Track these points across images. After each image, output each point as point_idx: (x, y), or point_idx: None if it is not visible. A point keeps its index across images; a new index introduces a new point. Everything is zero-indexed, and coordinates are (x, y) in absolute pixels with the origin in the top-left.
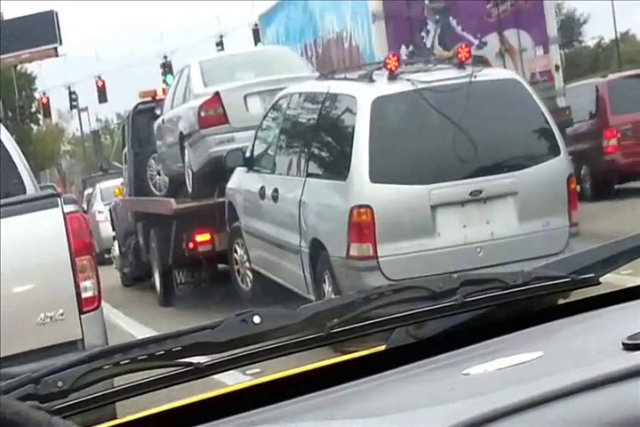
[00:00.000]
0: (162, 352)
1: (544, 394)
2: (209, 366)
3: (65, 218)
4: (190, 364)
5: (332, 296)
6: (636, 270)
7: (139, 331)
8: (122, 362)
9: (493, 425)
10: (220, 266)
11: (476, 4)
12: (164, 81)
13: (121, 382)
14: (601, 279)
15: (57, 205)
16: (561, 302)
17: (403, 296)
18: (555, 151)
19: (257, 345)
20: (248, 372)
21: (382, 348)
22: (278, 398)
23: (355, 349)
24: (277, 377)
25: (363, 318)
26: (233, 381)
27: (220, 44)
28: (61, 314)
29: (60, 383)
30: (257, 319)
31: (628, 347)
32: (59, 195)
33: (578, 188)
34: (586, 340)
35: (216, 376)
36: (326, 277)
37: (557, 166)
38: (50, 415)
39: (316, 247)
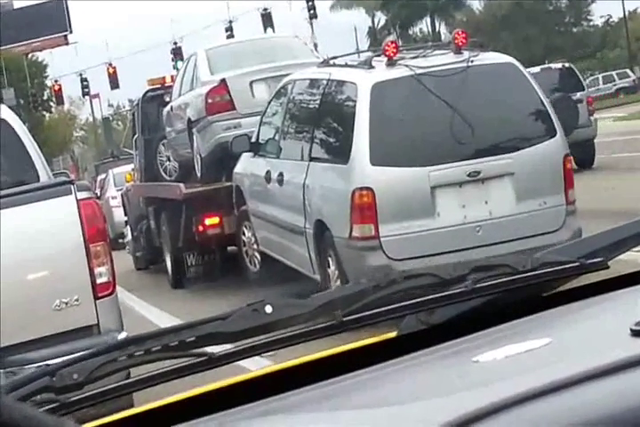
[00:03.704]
0: (175, 343)
1: (552, 383)
2: (222, 357)
3: (78, 205)
4: (204, 354)
5: (337, 276)
6: None
7: (152, 314)
8: (136, 353)
9: (502, 415)
10: (229, 248)
11: None
12: (175, 67)
13: (136, 372)
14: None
15: (70, 193)
16: (570, 286)
17: (413, 284)
18: (551, 132)
19: (269, 334)
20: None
21: (394, 334)
22: (289, 386)
23: (366, 335)
24: (288, 366)
25: (374, 306)
26: (246, 369)
27: (229, 30)
28: (77, 300)
29: (75, 376)
30: (269, 309)
31: (636, 333)
32: (72, 182)
33: None
34: (594, 326)
35: (229, 365)
36: (330, 257)
37: (554, 147)
38: (62, 419)
39: (320, 229)
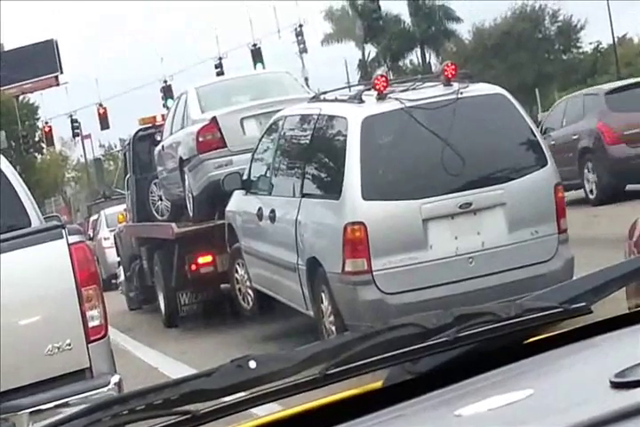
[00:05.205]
0: (160, 401)
1: None
2: (206, 414)
3: (70, 249)
4: (188, 412)
5: (330, 311)
6: None
7: (146, 354)
8: (120, 413)
9: None
10: (223, 286)
11: None
12: (165, 105)
13: None
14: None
15: (61, 237)
16: (553, 332)
17: (397, 334)
18: (542, 162)
19: (253, 390)
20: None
21: (379, 384)
22: None
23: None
24: (271, 420)
25: (358, 358)
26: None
27: (219, 66)
28: (69, 344)
29: None
30: (252, 364)
31: (616, 385)
32: (63, 226)
33: None
34: (575, 376)
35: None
36: (323, 293)
37: (545, 176)
38: None
39: (313, 265)
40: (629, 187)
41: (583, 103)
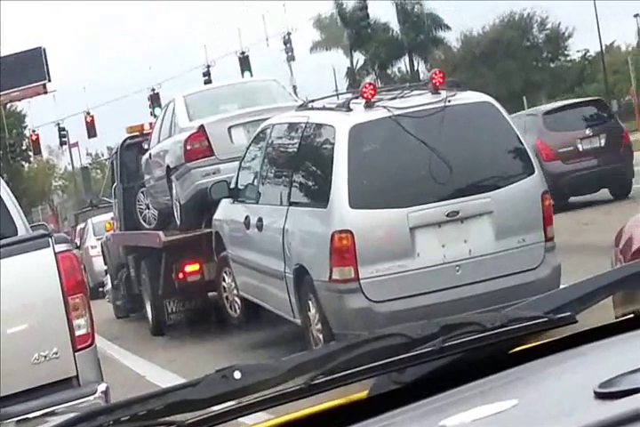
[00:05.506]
0: (145, 412)
1: None
2: (191, 424)
3: (56, 257)
4: (173, 422)
5: (317, 319)
6: None
7: (133, 362)
8: (106, 424)
9: None
10: (210, 294)
11: None
12: (153, 113)
13: None
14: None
15: (48, 245)
16: (538, 341)
17: (382, 344)
18: (529, 170)
19: (239, 400)
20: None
21: (365, 394)
22: None
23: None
24: None
25: (344, 368)
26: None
27: (207, 75)
28: (55, 353)
29: None
30: (237, 375)
31: (600, 396)
32: (50, 235)
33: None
34: (560, 386)
35: None
36: (311, 300)
37: (532, 184)
38: None
39: (301, 273)
40: (572, 199)
41: (524, 122)
